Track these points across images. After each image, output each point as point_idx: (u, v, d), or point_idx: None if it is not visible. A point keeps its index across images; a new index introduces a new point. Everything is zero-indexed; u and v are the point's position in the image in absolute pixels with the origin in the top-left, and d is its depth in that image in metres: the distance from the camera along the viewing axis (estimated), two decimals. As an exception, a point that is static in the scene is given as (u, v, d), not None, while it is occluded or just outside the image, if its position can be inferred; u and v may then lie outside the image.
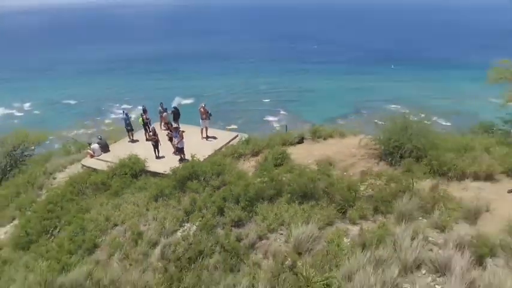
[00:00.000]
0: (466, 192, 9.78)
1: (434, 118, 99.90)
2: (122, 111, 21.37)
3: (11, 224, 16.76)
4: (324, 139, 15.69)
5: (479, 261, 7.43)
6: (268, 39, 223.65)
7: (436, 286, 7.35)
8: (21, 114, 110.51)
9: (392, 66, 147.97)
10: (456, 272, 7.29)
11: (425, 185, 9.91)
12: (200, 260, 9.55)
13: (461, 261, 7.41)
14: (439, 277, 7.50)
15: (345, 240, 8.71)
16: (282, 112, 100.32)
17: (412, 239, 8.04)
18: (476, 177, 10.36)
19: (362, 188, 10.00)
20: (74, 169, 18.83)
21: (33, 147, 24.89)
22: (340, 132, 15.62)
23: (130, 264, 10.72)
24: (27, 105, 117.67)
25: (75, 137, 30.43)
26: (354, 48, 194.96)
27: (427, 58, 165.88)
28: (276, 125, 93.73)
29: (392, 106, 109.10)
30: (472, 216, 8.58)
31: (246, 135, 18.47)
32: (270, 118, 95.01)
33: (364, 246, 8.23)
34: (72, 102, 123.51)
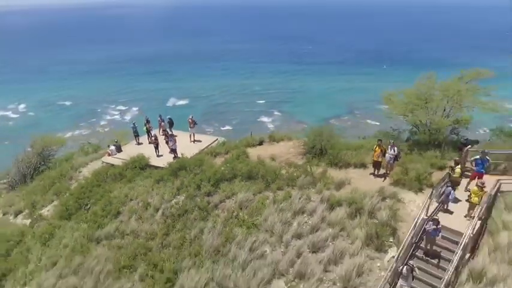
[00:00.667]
0: (346, 174, 16.73)
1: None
2: (127, 119, 28.17)
3: (51, 204, 23.65)
4: (277, 142, 22.57)
5: (331, 208, 14.42)
6: (263, 40, 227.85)
7: (308, 221, 14.33)
8: (17, 115, 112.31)
9: (385, 67, 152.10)
10: (317, 213, 14.29)
11: (320, 170, 16.89)
12: (185, 215, 16.51)
13: (321, 208, 14.41)
14: (310, 217, 14.49)
15: (267, 201, 15.67)
16: (276, 113, 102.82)
17: (300, 198, 15.03)
18: (355, 166, 17.32)
19: (283, 172, 16.98)
20: (95, 165, 25.72)
21: (55, 149, 31.89)
22: (288, 137, 22.52)
23: (143, 221, 17.64)
24: (22, 107, 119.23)
25: (84, 139, 37.33)
26: (347, 48, 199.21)
27: (418, 59, 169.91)
28: (270, 125, 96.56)
29: (385, 106, 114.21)
30: (338, 186, 15.54)
31: (223, 139, 25.46)
32: (264, 119, 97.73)
33: (275, 203, 15.23)
34: (67, 103, 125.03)
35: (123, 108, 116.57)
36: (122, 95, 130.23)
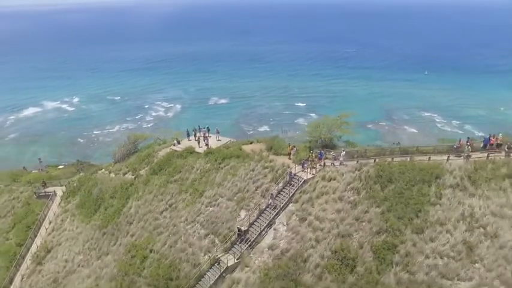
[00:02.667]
0: (277, 157, 44.48)
1: (467, 127, 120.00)
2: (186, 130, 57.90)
3: (144, 169, 53.43)
4: (259, 142, 50.45)
5: (264, 168, 42.47)
6: (307, 41, 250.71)
7: (254, 173, 42.56)
8: (72, 109, 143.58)
9: (426, 73, 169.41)
10: (258, 170, 42.44)
11: (266, 155, 44.87)
12: (209, 171, 44.77)
13: (260, 169, 42.46)
14: (255, 172, 42.74)
15: (241, 166, 44.04)
16: (314, 116, 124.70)
17: (253, 165, 43.35)
18: (284, 154, 44.80)
19: (251, 155, 45.23)
20: (165, 151, 55.21)
21: (140, 141, 62.38)
22: (265, 140, 50.39)
23: (190, 174, 46.73)
24: (76, 100, 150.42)
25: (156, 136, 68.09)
26: (392, 52, 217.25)
27: (465, 65, 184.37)
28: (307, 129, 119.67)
29: (426, 114, 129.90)
30: (270, 161, 43.18)
31: (234, 140, 54.19)
32: (301, 121, 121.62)
33: (244, 166, 43.77)
34: (116, 98, 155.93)
35: (167, 105, 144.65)
36: (167, 92, 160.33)
